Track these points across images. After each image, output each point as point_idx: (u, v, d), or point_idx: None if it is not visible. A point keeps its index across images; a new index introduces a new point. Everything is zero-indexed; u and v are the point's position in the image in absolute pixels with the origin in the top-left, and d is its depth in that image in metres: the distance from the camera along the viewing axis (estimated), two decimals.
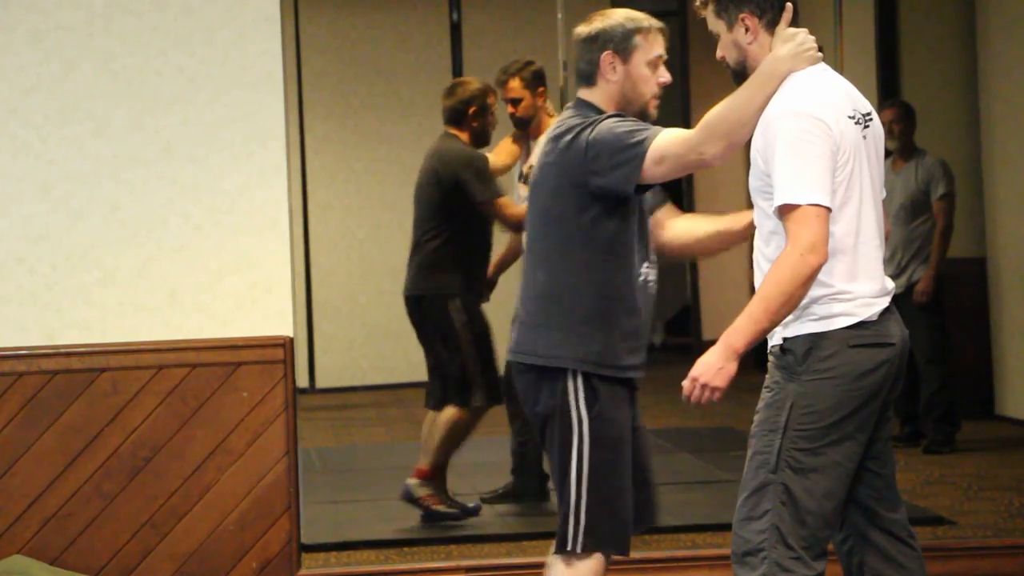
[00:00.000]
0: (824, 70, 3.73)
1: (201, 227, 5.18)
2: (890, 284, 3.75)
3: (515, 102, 6.45)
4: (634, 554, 5.56)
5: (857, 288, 3.65)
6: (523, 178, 6.48)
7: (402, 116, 10.93)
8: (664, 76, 3.97)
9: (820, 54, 3.73)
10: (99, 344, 5.11)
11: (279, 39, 5.20)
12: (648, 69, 3.96)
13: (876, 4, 8.80)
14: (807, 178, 3.54)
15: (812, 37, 3.73)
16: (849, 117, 3.66)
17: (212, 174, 5.18)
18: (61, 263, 5.13)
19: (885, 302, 3.69)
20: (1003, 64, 8.16)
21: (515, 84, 6.44)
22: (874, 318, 3.66)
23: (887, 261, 7.60)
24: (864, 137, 3.69)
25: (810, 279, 3.54)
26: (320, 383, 10.79)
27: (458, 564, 5.44)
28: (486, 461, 6.95)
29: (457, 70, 10.86)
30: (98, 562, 5.06)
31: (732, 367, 3.57)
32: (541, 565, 5.45)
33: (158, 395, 5.09)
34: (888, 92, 8.55)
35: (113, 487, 5.07)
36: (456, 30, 10.92)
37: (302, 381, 10.33)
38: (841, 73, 5.83)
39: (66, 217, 5.14)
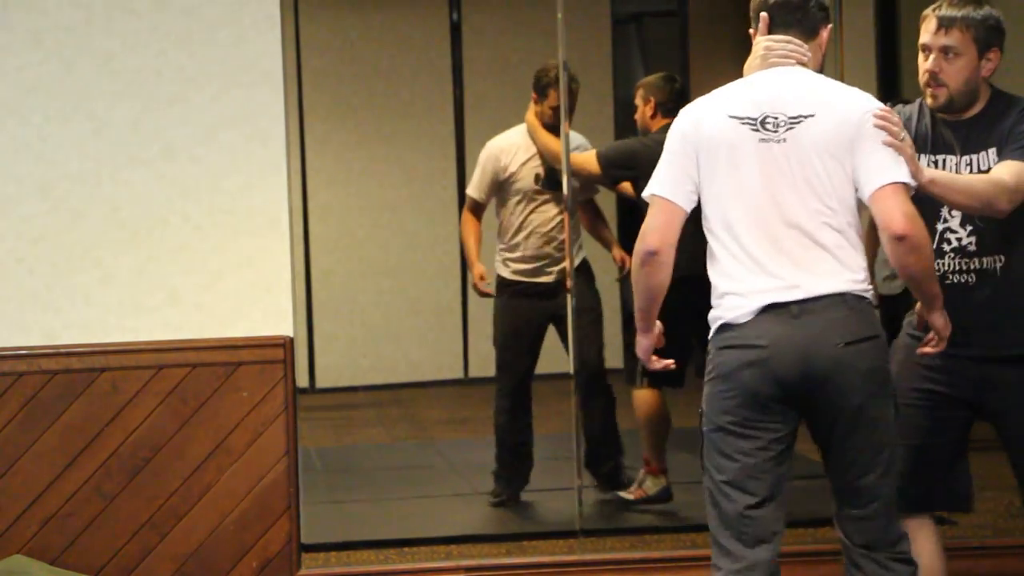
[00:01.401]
0: (771, 71, 3.82)
1: (201, 227, 5.18)
2: (794, 282, 3.72)
3: (557, 109, 6.44)
4: (634, 554, 5.59)
5: (729, 287, 3.76)
6: (538, 179, 6.51)
7: (402, 116, 10.92)
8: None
9: (777, 58, 3.82)
10: (99, 344, 5.11)
11: (279, 39, 5.20)
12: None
13: (876, 4, 8.79)
14: (657, 172, 3.86)
15: (770, 41, 3.83)
16: (733, 117, 3.75)
17: (212, 174, 5.18)
18: (61, 263, 5.13)
19: (759, 301, 3.73)
20: (1003, 64, 8.15)
21: (556, 93, 6.46)
22: (741, 319, 3.73)
23: (884, 261, 7.62)
24: (774, 140, 3.73)
25: (642, 265, 3.81)
26: (320, 383, 10.79)
27: (458, 564, 5.45)
28: (488, 461, 6.95)
29: (457, 70, 10.86)
30: (98, 562, 5.06)
31: (644, 342, 3.92)
32: (541, 565, 5.48)
33: (158, 395, 5.09)
34: (888, 92, 8.55)
35: (113, 487, 5.07)
36: (456, 30, 10.92)
37: (302, 381, 10.32)
38: (841, 73, 5.85)
39: (66, 217, 5.13)
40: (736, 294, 3.75)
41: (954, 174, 3.98)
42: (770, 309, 3.72)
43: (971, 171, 3.98)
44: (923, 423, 4.11)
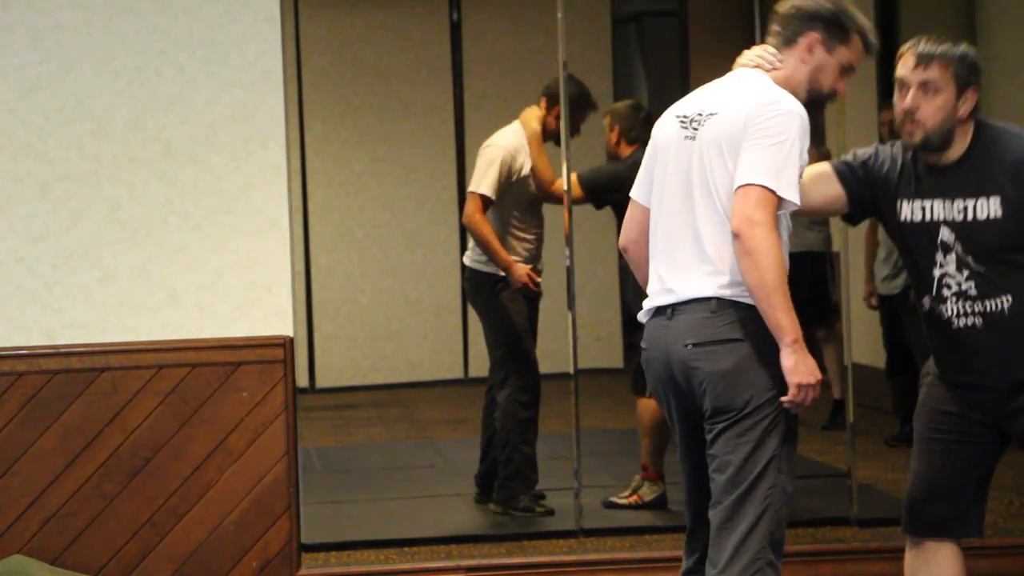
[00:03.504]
0: (729, 74, 3.88)
1: (201, 227, 5.18)
2: (670, 286, 3.75)
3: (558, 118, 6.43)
4: (634, 554, 5.59)
5: (648, 288, 3.85)
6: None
7: (402, 116, 10.93)
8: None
9: (744, 61, 3.87)
10: (99, 344, 5.11)
11: (279, 39, 5.20)
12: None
13: (876, 4, 8.79)
14: None
15: (747, 48, 3.89)
16: (676, 116, 3.82)
17: (212, 174, 5.18)
18: (61, 263, 5.13)
19: (649, 304, 3.81)
20: (1004, 64, 8.16)
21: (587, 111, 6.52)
22: (643, 320, 3.85)
23: (884, 261, 7.65)
24: (691, 137, 3.76)
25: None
26: (320, 383, 10.80)
27: (458, 564, 5.44)
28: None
29: (457, 70, 10.86)
30: (98, 562, 5.06)
31: None
32: (541, 565, 5.48)
33: (158, 395, 5.09)
34: (888, 92, 8.53)
35: (113, 487, 5.07)
36: (456, 30, 10.92)
37: (302, 381, 10.33)
38: None
39: (66, 217, 5.13)
40: (647, 296, 3.85)
41: None
42: (656, 312, 3.80)
43: (965, 218, 3.86)
44: (944, 446, 4.01)
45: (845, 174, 3.99)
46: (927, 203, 3.92)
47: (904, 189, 3.93)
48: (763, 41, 3.93)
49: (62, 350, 5.09)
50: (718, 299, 3.68)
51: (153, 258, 5.17)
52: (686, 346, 3.70)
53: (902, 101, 3.91)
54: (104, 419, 5.07)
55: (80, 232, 5.14)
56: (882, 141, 4.19)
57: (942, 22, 8.73)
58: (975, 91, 3.91)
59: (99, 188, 5.14)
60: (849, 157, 4.04)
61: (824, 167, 4.02)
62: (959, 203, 3.88)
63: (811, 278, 8.03)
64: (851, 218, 4.14)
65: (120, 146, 5.15)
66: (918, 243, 3.92)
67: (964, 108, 3.90)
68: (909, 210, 3.93)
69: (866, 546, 5.56)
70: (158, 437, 5.08)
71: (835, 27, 3.83)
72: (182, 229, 5.17)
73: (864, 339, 8.07)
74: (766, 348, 3.65)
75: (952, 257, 3.89)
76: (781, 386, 3.65)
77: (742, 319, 3.67)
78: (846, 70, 3.87)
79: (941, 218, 3.90)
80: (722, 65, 4.04)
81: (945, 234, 3.89)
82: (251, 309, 5.18)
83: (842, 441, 6.43)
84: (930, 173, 3.92)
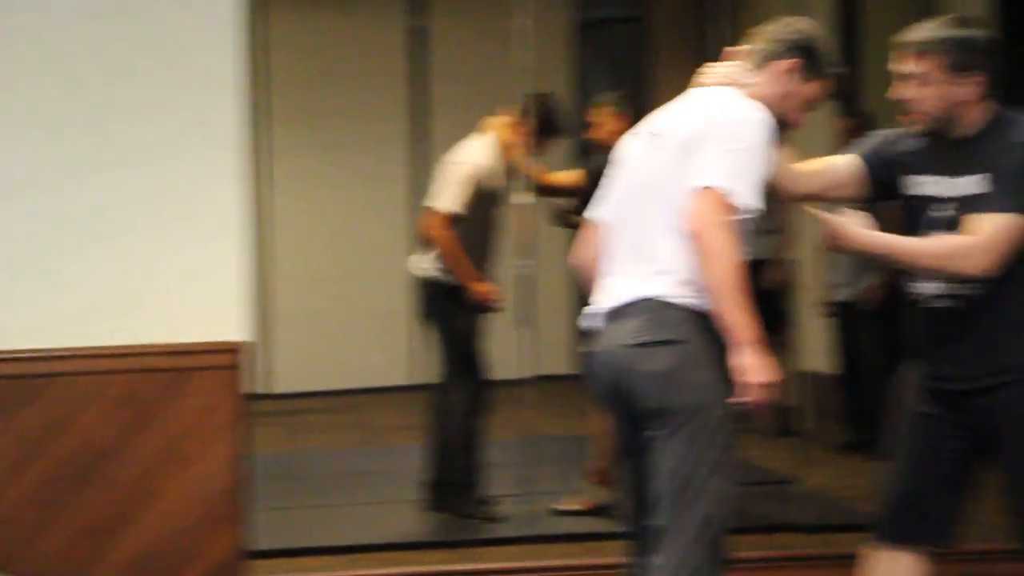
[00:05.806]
0: (702, 90, 3.92)
1: (155, 232, 5.16)
2: (615, 289, 3.80)
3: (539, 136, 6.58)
4: (584, 560, 5.60)
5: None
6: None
7: (363, 122, 10.93)
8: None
9: (712, 77, 3.93)
10: (49, 349, 5.08)
11: (238, 43, 5.18)
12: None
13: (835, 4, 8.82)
14: None
15: (720, 65, 3.95)
16: (640, 134, 3.91)
17: (167, 179, 5.16)
18: (11, 268, 5.10)
19: (597, 308, 3.84)
20: None
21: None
22: (586, 326, 3.87)
23: (838, 268, 7.68)
24: (651, 149, 3.83)
25: None
26: (276, 388, 10.78)
27: (407, 571, 5.45)
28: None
29: (418, 76, 10.85)
30: (41, 569, 5.03)
31: None
32: (491, 571, 5.48)
33: (108, 401, 5.06)
34: (845, 102, 8.56)
35: (60, 494, 5.03)
36: (419, 35, 10.92)
37: (257, 387, 10.30)
38: None
39: (17, 221, 5.11)
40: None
41: (909, 239, 3.86)
42: (599, 317, 3.84)
43: (955, 197, 3.86)
44: (918, 450, 3.98)
45: (869, 158, 4.01)
46: (929, 178, 3.93)
47: (913, 163, 3.95)
48: (720, 49, 3.97)
49: (10, 356, 5.06)
50: (658, 300, 3.70)
51: (106, 263, 5.14)
52: (624, 347, 3.70)
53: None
54: (53, 425, 5.04)
55: (31, 236, 5.11)
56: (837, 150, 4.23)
57: (902, 22, 8.75)
58: (978, 74, 3.84)
59: (52, 192, 5.12)
60: (873, 140, 4.06)
61: (848, 156, 4.05)
62: (954, 180, 3.88)
63: (762, 285, 8.07)
64: (871, 200, 4.13)
65: (74, 151, 5.13)
66: (914, 216, 3.93)
67: (964, 92, 3.85)
68: (912, 183, 3.95)
69: (816, 552, 5.59)
70: (107, 443, 5.06)
71: (815, 61, 3.90)
72: (135, 234, 5.16)
73: (815, 346, 8.11)
74: (705, 351, 3.66)
75: (941, 235, 3.87)
76: (720, 390, 3.66)
77: (681, 321, 3.68)
78: (810, 104, 3.93)
79: (936, 194, 3.90)
80: (687, 71, 4.07)
81: (938, 210, 3.89)
82: (204, 315, 5.17)
83: (791, 447, 6.46)
84: (938, 149, 3.92)
